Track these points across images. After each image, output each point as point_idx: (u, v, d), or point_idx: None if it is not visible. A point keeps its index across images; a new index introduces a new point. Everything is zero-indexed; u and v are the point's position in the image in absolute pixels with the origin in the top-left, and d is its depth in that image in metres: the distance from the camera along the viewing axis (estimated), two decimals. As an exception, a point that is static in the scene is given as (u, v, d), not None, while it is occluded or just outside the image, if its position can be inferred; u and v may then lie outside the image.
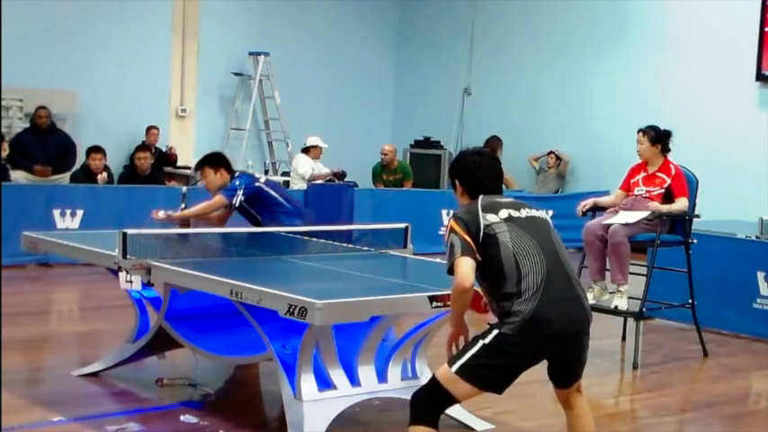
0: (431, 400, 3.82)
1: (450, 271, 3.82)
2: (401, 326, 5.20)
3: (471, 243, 3.78)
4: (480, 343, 3.76)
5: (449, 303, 4.44)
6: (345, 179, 12.47)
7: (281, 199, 6.71)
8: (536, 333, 3.73)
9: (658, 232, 6.99)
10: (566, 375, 4.02)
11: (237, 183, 6.64)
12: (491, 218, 3.83)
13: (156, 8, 14.19)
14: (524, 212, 3.93)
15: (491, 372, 3.78)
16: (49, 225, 9.65)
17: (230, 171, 6.79)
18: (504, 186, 4.26)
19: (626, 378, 6.83)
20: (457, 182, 4.06)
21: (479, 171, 4.02)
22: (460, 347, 3.90)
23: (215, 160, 6.84)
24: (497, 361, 3.76)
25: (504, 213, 3.87)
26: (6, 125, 12.31)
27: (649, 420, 5.77)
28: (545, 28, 15.05)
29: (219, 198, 6.60)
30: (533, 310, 3.71)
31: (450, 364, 3.79)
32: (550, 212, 8.95)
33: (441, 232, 12.36)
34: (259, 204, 6.62)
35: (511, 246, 3.79)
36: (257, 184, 6.74)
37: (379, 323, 4.75)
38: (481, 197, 3.94)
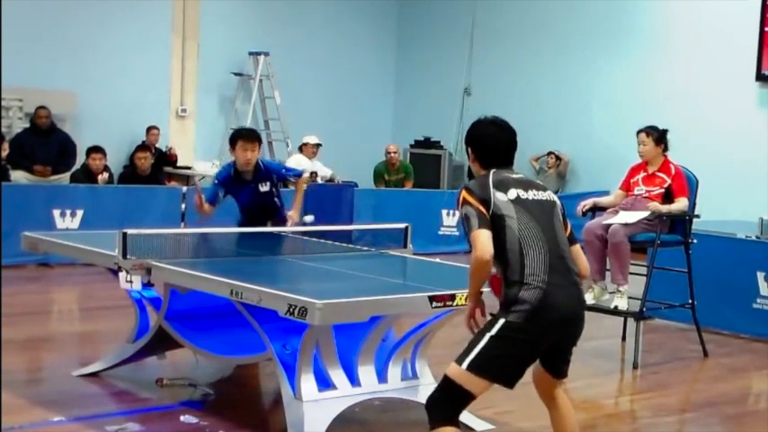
0: (447, 401, 3.80)
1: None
2: (401, 326, 5.20)
3: (486, 214, 3.80)
4: (488, 335, 3.76)
5: (449, 303, 4.45)
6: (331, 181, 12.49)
7: None
8: (543, 319, 3.75)
9: (658, 232, 6.99)
10: (562, 361, 4.05)
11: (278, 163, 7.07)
12: (500, 197, 3.84)
13: (155, 8, 14.19)
14: (531, 194, 3.93)
15: (503, 362, 3.78)
16: (49, 225, 9.65)
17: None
18: None
19: (626, 378, 6.82)
20: (470, 149, 4.09)
21: (492, 142, 4.04)
22: (479, 324, 3.90)
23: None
24: (508, 350, 3.76)
25: (512, 193, 3.88)
26: (6, 125, 12.32)
27: (649, 420, 5.77)
28: (545, 28, 15.05)
29: (304, 178, 7.11)
30: (540, 298, 3.73)
31: (460, 361, 3.77)
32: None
33: (441, 232, 12.39)
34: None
35: (517, 231, 3.80)
36: None
37: (379, 323, 4.75)
38: (492, 172, 3.94)
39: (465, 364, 3.75)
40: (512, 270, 3.79)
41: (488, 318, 3.85)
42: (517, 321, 3.73)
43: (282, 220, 6.73)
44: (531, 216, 3.85)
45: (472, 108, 15.82)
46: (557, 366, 4.04)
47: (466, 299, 4.16)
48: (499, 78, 15.55)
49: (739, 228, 9.14)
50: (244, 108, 15.18)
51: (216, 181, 6.71)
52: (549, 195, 4.01)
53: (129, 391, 5.64)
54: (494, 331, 3.76)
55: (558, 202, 4.05)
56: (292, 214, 6.83)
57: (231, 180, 6.62)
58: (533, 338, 3.78)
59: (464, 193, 3.86)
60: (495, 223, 3.80)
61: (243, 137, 6.64)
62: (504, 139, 4.06)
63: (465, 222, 3.82)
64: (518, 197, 3.88)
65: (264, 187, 6.70)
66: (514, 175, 3.99)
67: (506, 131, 4.08)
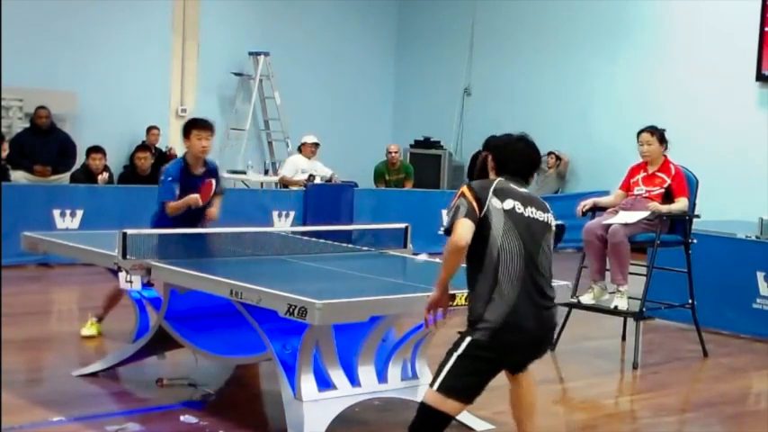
0: (426, 425, 3.87)
1: (448, 231, 3.87)
2: (401, 326, 5.20)
3: (477, 210, 3.85)
4: (455, 355, 3.83)
5: (449, 303, 4.45)
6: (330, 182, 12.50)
7: None
8: (508, 339, 3.83)
9: (658, 232, 6.99)
10: (522, 367, 4.17)
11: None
12: (495, 203, 3.89)
13: (155, 8, 14.19)
14: (529, 211, 3.96)
15: (471, 380, 3.85)
16: (49, 225, 9.66)
17: None
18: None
19: (626, 378, 6.82)
20: (491, 157, 4.17)
21: (507, 151, 4.12)
22: (438, 313, 4.00)
23: None
24: (475, 368, 3.84)
25: (509, 204, 3.91)
26: (6, 125, 12.32)
27: (649, 420, 5.77)
28: (545, 28, 15.05)
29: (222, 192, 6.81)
30: (505, 316, 3.79)
31: (432, 383, 3.86)
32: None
33: (440, 232, 12.37)
34: None
35: (499, 241, 3.85)
36: None
37: (379, 323, 4.76)
38: (499, 179, 4.00)
39: (436, 386, 3.84)
40: (483, 281, 3.85)
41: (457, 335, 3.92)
42: (482, 339, 3.81)
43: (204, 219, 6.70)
44: (518, 232, 3.89)
45: (472, 108, 15.84)
46: (516, 369, 4.17)
47: (465, 298, 4.16)
48: (499, 78, 15.55)
49: (739, 228, 9.13)
50: (244, 108, 15.18)
51: (169, 178, 6.57)
52: (547, 218, 4.05)
53: (129, 391, 5.64)
54: (460, 350, 3.84)
55: (554, 227, 4.08)
56: (213, 210, 6.70)
57: (182, 174, 6.54)
58: (498, 356, 3.87)
59: (464, 188, 3.94)
60: (482, 227, 3.85)
61: (198, 125, 6.59)
62: (523, 153, 4.13)
63: (453, 213, 3.87)
64: (513, 209, 3.91)
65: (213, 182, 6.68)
66: (521, 189, 4.03)
67: (530, 148, 4.16)
